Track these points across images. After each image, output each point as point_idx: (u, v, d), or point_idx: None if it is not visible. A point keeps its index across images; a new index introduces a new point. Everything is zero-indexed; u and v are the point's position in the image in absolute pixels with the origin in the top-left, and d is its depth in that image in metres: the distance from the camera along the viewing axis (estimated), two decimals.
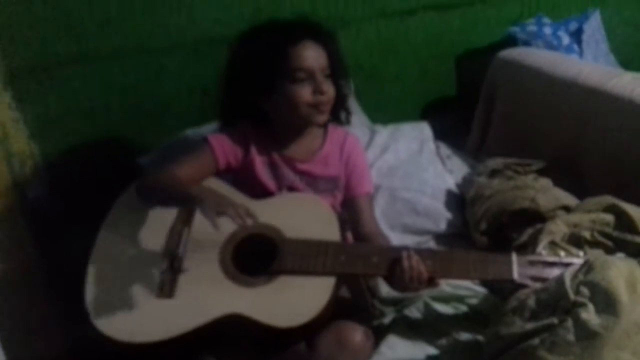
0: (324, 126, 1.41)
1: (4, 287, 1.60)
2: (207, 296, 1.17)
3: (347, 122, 1.45)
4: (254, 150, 1.36)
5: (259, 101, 1.33)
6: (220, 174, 1.37)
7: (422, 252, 1.21)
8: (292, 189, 1.37)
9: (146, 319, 1.16)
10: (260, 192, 1.35)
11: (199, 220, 1.26)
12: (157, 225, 1.27)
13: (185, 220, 1.27)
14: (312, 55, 1.29)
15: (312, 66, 1.28)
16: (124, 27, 1.63)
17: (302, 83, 1.28)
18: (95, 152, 1.72)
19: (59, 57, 1.60)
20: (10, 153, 1.60)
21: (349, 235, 1.40)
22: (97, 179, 1.68)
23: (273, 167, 1.37)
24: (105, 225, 1.30)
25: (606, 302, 0.98)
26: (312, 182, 1.38)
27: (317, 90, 1.29)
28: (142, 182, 1.32)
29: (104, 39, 1.63)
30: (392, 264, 1.17)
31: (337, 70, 1.34)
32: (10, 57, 1.55)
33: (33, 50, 1.57)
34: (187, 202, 1.20)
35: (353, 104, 1.95)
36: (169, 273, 1.20)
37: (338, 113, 1.41)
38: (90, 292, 1.21)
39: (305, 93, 1.28)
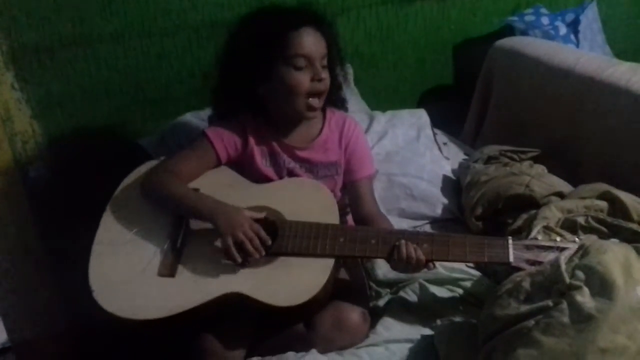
0: (322, 111, 1.41)
1: (5, 266, 1.62)
2: (207, 275, 1.19)
3: (344, 109, 1.45)
4: (252, 140, 1.37)
5: (257, 87, 1.32)
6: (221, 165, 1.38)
7: (419, 235, 1.23)
8: (292, 174, 1.38)
9: (148, 296, 1.18)
10: (260, 180, 1.36)
11: None
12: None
13: None
14: (313, 42, 1.28)
15: (312, 53, 1.27)
16: (126, 9, 1.64)
17: (301, 70, 1.28)
18: (96, 133, 1.73)
19: (61, 38, 1.61)
20: (13, 132, 1.62)
21: (349, 219, 1.43)
22: (97, 160, 1.69)
23: (272, 156, 1.38)
24: (111, 205, 1.32)
25: (601, 286, 0.99)
26: (312, 168, 1.39)
27: (315, 78, 1.28)
28: (149, 181, 1.30)
29: (106, 21, 1.63)
30: (390, 247, 1.19)
31: (334, 59, 1.34)
32: (13, 37, 1.56)
33: (36, 31, 1.58)
34: (199, 214, 1.23)
35: (352, 90, 1.97)
36: (171, 252, 1.23)
37: (334, 101, 1.41)
38: (94, 269, 1.22)
39: (303, 80, 1.28)
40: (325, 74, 1.30)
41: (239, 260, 1.16)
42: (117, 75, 1.71)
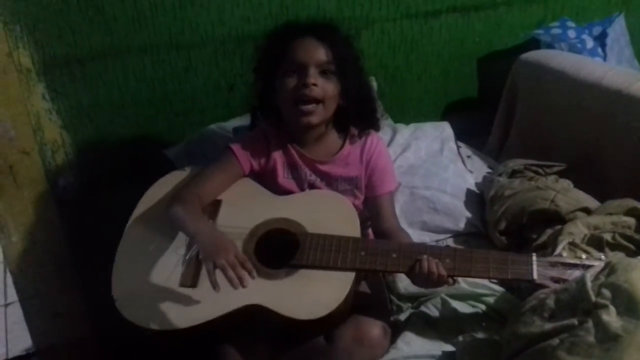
0: (344, 126, 1.40)
1: (33, 272, 1.65)
2: (228, 287, 1.18)
3: (376, 128, 1.43)
4: (275, 153, 1.38)
5: (273, 100, 1.34)
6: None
7: (441, 250, 1.22)
8: (312, 187, 1.39)
9: (170, 307, 1.19)
10: (281, 192, 1.37)
11: (224, 213, 1.30)
12: None
13: (210, 213, 1.31)
14: (306, 49, 1.28)
15: (302, 59, 1.27)
16: (154, 23, 1.67)
17: (291, 76, 1.28)
18: (124, 143, 1.76)
19: (91, 50, 1.64)
20: (43, 142, 1.66)
21: (370, 233, 1.43)
22: (125, 170, 1.72)
23: (294, 168, 1.39)
24: (134, 216, 1.34)
25: (628, 305, 0.97)
26: (332, 182, 1.39)
27: (300, 83, 1.27)
28: (173, 202, 1.30)
29: (135, 34, 1.66)
30: (412, 262, 1.19)
31: (345, 69, 1.31)
32: (44, 49, 1.60)
33: (66, 43, 1.61)
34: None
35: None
36: (193, 264, 1.24)
37: (361, 117, 1.39)
38: (117, 279, 1.25)
39: (289, 84, 1.28)
40: (317, 81, 1.27)
41: (216, 286, 1.13)
42: (144, 87, 1.74)
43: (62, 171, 1.72)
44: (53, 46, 1.60)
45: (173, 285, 1.22)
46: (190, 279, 1.22)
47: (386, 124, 1.87)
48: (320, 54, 1.28)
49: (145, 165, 1.51)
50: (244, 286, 1.11)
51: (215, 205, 1.34)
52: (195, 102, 1.81)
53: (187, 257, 1.24)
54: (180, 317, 1.17)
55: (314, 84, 1.27)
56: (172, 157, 1.70)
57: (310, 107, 1.29)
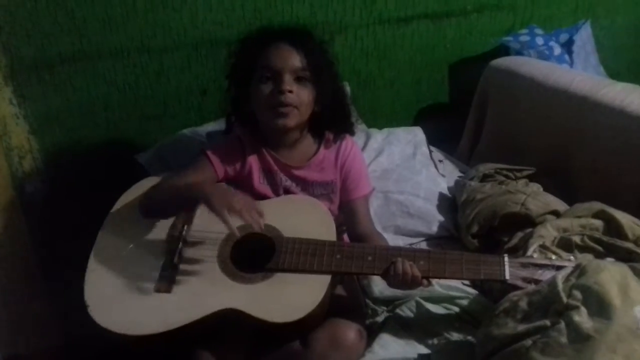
0: (319, 132, 1.41)
1: (1, 281, 1.61)
2: (204, 291, 1.19)
3: (350, 132, 1.44)
4: (250, 158, 1.38)
5: (248, 105, 1.34)
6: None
7: (415, 252, 1.23)
8: (288, 192, 1.39)
9: (144, 312, 1.17)
10: (257, 197, 1.36)
11: (199, 218, 1.29)
12: (157, 222, 1.30)
13: (185, 217, 1.30)
14: (281, 55, 1.29)
15: (277, 65, 1.28)
16: (125, 26, 1.65)
17: (266, 81, 1.29)
18: (94, 149, 1.74)
19: (60, 54, 1.62)
20: (10, 147, 1.63)
21: (345, 237, 1.43)
22: (94, 175, 1.70)
23: (269, 174, 1.39)
24: (108, 221, 1.32)
25: (599, 306, 0.99)
26: (308, 187, 1.39)
27: (276, 89, 1.28)
28: (147, 195, 1.31)
29: (105, 37, 1.64)
30: (387, 265, 1.19)
31: (320, 75, 1.32)
32: (12, 53, 1.57)
33: (35, 46, 1.58)
34: (194, 200, 1.22)
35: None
36: (168, 269, 1.22)
37: (335, 122, 1.40)
38: (89, 285, 1.22)
39: (264, 90, 1.29)
40: (292, 87, 1.28)
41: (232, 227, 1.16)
42: (115, 91, 1.72)
43: (29, 177, 1.68)
44: (21, 50, 1.57)
45: (148, 291, 1.20)
46: (165, 285, 1.20)
47: (360, 128, 1.88)
48: (295, 60, 1.29)
49: (116, 171, 1.49)
50: (263, 223, 1.17)
51: (190, 208, 1.32)
52: (167, 107, 1.79)
53: (162, 263, 1.22)
54: (155, 322, 1.16)
55: (290, 91, 1.28)
56: (143, 162, 1.67)
57: (286, 109, 1.30)
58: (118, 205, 1.35)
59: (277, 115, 1.30)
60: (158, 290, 1.20)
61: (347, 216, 1.41)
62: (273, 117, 1.31)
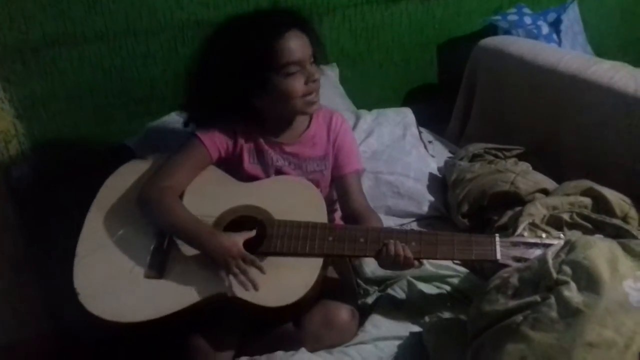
0: None
1: None
2: (195, 276, 1.18)
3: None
4: (240, 139, 1.36)
5: (251, 99, 1.30)
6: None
7: (407, 234, 1.23)
8: (280, 172, 1.37)
9: (135, 298, 1.17)
10: (247, 179, 1.35)
11: (188, 202, 1.28)
12: None
13: None
14: (300, 46, 1.27)
15: (300, 57, 1.26)
16: (111, 8, 1.63)
17: (294, 76, 1.27)
18: (80, 132, 1.72)
19: (45, 37, 1.59)
20: None
21: (336, 217, 1.43)
22: (82, 160, 1.68)
23: (259, 153, 1.37)
24: (95, 206, 1.30)
25: (588, 281, 1.00)
26: (301, 163, 1.38)
27: (310, 80, 1.28)
28: (147, 197, 1.27)
29: (91, 20, 1.62)
30: (379, 246, 1.19)
31: (319, 54, 1.33)
32: None
33: (19, 30, 1.56)
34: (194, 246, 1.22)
35: (338, 89, 1.98)
36: (158, 254, 1.22)
37: None
38: (79, 271, 1.21)
39: (298, 85, 1.27)
40: (317, 72, 1.29)
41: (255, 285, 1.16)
42: (101, 75, 1.69)
43: (16, 162, 1.66)
44: (4, 33, 1.55)
45: (138, 277, 1.19)
46: (156, 270, 1.20)
47: (349, 109, 1.88)
48: (309, 46, 1.29)
49: (103, 155, 1.49)
50: (256, 290, 1.15)
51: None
52: (154, 90, 1.77)
53: (152, 248, 1.21)
54: (146, 309, 1.15)
55: (318, 77, 1.29)
56: (132, 146, 1.65)
57: (317, 96, 1.31)
58: (104, 189, 1.32)
59: (308, 104, 1.30)
60: (148, 276, 1.19)
61: (340, 192, 1.40)
62: (305, 106, 1.30)
